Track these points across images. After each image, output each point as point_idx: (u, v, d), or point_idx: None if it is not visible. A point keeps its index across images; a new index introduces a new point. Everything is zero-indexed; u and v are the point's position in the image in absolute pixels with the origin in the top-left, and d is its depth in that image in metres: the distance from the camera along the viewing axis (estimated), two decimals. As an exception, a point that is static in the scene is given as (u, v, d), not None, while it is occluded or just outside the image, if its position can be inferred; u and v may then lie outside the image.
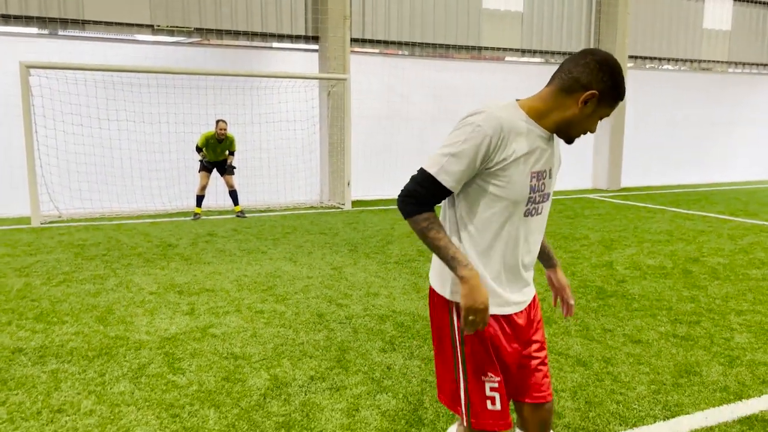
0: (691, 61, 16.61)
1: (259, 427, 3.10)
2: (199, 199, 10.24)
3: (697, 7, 16.31)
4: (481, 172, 1.88)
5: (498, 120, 1.83)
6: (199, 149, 10.11)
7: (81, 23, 10.33)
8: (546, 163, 1.96)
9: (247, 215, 10.49)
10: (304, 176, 12.45)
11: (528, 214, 1.97)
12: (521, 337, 2.08)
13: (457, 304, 1.99)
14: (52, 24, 10.15)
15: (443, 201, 2.01)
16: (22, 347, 4.20)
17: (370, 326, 4.66)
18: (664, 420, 3.20)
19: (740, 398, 3.43)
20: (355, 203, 12.10)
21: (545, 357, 2.15)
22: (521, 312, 2.07)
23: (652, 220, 9.99)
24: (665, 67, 16.54)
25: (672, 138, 17.09)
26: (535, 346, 2.12)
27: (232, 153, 10.32)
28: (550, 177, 2.00)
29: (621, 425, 3.13)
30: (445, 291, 2.03)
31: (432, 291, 2.10)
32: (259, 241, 8.19)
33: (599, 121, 1.96)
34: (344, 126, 11.78)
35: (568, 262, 6.79)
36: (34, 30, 10.29)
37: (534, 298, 2.15)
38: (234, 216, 10.43)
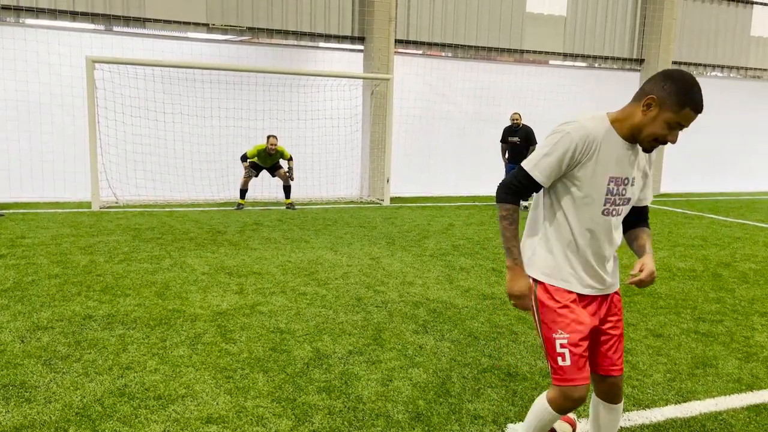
0: (738, 68, 16.40)
1: (303, 390, 3.47)
2: (243, 192, 10.76)
3: (745, 14, 16.10)
4: (567, 173, 2.26)
5: (585, 129, 2.20)
6: (244, 158, 10.59)
7: (142, 21, 10.95)
8: (626, 170, 2.28)
9: (296, 208, 10.99)
10: (346, 172, 12.87)
11: (607, 213, 2.31)
12: (596, 314, 2.40)
13: (535, 279, 2.39)
14: (115, 21, 10.80)
15: (537, 198, 2.44)
16: (92, 314, 4.68)
17: (405, 311, 4.99)
18: (676, 404, 3.43)
19: (751, 389, 3.64)
20: (393, 199, 12.45)
21: (618, 337, 2.44)
22: (598, 297, 2.41)
23: (688, 225, 10.05)
24: (713, 73, 16.38)
25: (715, 145, 16.90)
26: (608, 325, 2.43)
27: (290, 159, 10.82)
28: (632, 184, 2.32)
29: (634, 406, 3.39)
30: (528, 270, 2.41)
31: None
32: (302, 231, 8.62)
33: (676, 130, 2.17)
34: (386, 124, 12.14)
35: (599, 262, 6.98)
36: (98, 27, 10.96)
37: (616, 294, 2.48)
38: (284, 207, 10.96)
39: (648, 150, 2.27)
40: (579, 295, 2.36)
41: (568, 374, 2.31)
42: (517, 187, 2.30)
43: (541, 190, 2.39)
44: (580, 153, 2.20)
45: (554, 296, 2.34)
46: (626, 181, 2.29)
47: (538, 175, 2.25)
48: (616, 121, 2.25)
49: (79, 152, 10.78)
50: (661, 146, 2.29)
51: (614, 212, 2.32)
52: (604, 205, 2.28)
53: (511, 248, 2.32)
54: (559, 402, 2.36)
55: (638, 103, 2.20)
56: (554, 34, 14.37)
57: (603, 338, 2.43)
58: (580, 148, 2.19)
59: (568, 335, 2.30)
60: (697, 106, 2.13)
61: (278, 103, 12.16)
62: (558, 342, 2.31)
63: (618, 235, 2.40)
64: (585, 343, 2.32)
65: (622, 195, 2.31)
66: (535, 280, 2.39)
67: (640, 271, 2.31)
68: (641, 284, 2.31)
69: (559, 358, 2.31)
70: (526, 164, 2.30)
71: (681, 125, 2.16)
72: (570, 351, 2.30)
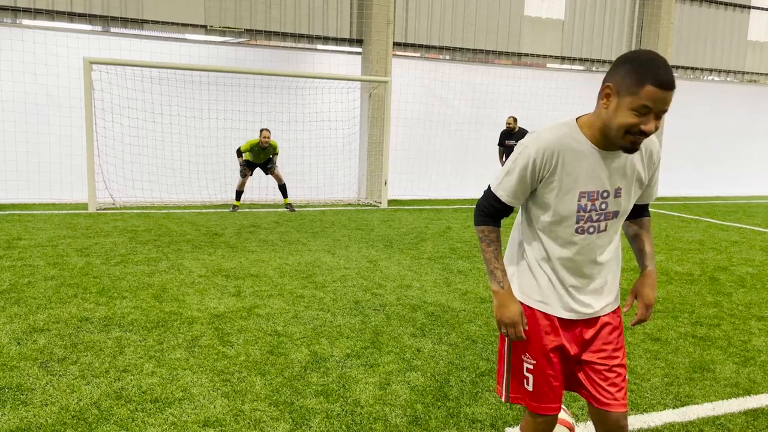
0: (735, 72, 16.47)
1: (301, 393, 3.46)
2: (239, 193, 10.76)
3: (742, 19, 16.17)
4: (536, 188, 2.04)
5: (543, 141, 1.95)
6: (240, 153, 10.59)
7: (140, 22, 10.94)
8: (602, 182, 2.00)
9: (295, 209, 10.98)
10: (343, 174, 12.87)
11: (582, 231, 2.03)
12: (578, 340, 2.14)
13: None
14: (113, 22, 10.78)
15: (521, 211, 2.21)
16: (88, 317, 4.66)
17: (403, 314, 4.98)
18: (674, 408, 3.43)
19: (749, 393, 3.64)
20: (391, 202, 12.44)
21: (614, 368, 2.14)
22: (584, 321, 2.14)
23: (685, 229, 10.06)
24: (710, 78, 16.43)
25: (712, 149, 16.96)
26: (601, 354, 2.14)
27: (275, 154, 10.83)
28: (616, 196, 2.03)
29: (632, 410, 3.38)
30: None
31: None
32: (299, 233, 8.61)
33: (647, 116, 1.82)
34: (383, 127, 12.14)
35: (596, 265, 6.98)
36: (95, 27, 10.95)
37: (612, 316, 2.20)
38: (283, 208, 10.96)
39: (630, 150, 1.89)
40: (559, 318, 2.12)
41: (528, 398, 2.16)
42: (488, 209, 2.09)
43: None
44: (540, 168, 1.96)
45: (529, 318, 2.13)
46: (605, 195, 2.01)
47: (503, 195, 2.05)
48: (586, 127, 1.96)
49: (76, 153, 10.75)
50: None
51: (592, 229, 2.04)
52: (577, 223, 2.02)
53: (493, 271, 2.08)
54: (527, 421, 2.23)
55: (599, 99, 1.91)
56: (552, 38, 14.40)
57: (595, 368, 2.13)
58: (539, 163, 1.95)
59: (534, 362, 2.12)
60: (658, 80, 1.77)
61: (276, 105, 12.15)
62: (525, 365, 2.14)
63: (608, 252, 2.12)
64: (555, 374, 2.12)
65: (601, 210, 2.02)
66: None
67: (644, 307, 2.22)
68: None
69: (524, 381, 2.15)
70: (492, 182, 2.09)
71: (648, 108, 1.79)
72: (534, 378, 2.13)
